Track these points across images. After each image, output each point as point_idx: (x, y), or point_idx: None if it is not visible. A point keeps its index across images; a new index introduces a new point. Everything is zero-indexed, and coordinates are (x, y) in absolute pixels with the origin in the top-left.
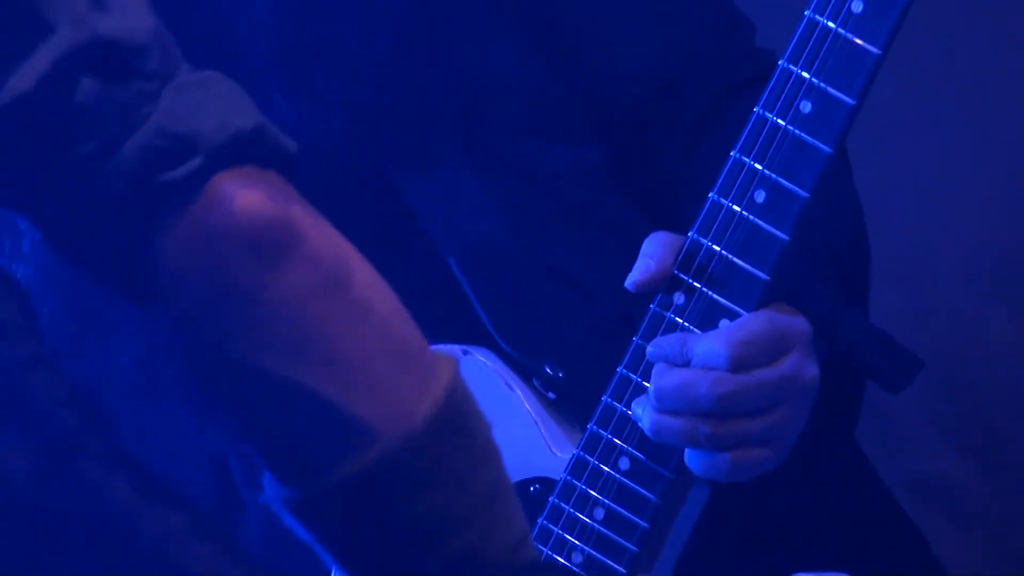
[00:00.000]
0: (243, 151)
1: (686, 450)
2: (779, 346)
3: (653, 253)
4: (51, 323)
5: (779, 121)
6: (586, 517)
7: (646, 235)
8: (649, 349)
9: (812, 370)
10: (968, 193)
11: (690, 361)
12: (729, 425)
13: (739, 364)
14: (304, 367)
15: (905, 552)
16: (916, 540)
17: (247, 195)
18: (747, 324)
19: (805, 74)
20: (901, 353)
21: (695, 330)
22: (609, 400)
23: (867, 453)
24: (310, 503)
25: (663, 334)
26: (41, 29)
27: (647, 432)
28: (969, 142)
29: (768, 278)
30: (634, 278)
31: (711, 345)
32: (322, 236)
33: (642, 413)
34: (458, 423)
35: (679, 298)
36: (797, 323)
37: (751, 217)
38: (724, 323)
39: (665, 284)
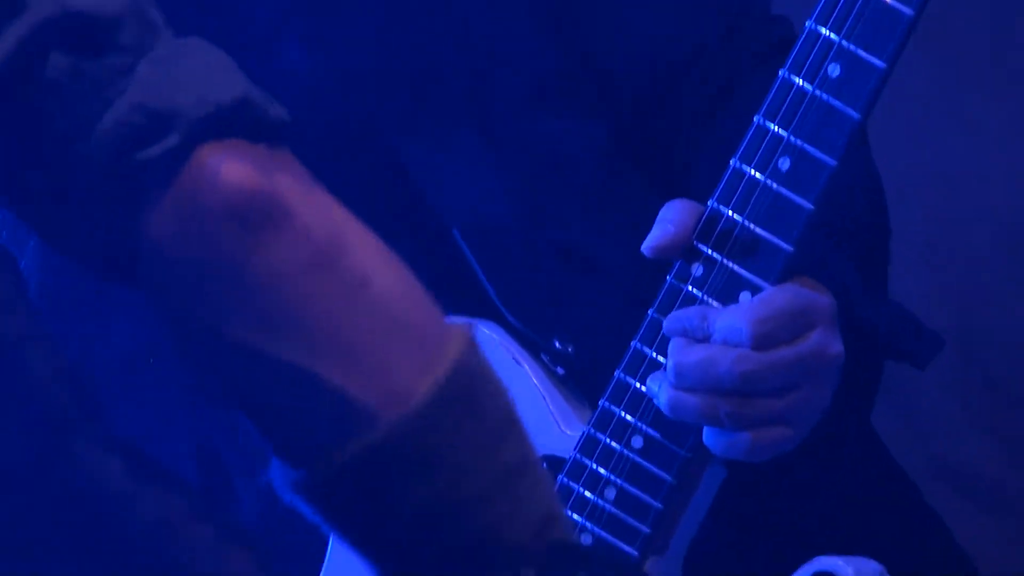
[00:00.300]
0: (226, 124)
1: (704, 428)
2: (803, 322)
3: (672, 218)
4: (45, 303)
5: (806, 85)
6: (597, 497)
7: (658, 211)
8: (666, 323)
9: (836, 346)
10: (993, 170)
11: (710, 336)
12: (751, 404)
13: (763, 341)
14: (295, 346)
15: (922, 536)
16: (933, 523)
17: (230, 168)
18: (771, 298)
19: (834, 36)
20: (922, 331)
21: (714, 303)
22: (622, 375)
23: (889, 436)
24: (316, 486)
25: (680, 307)
26: (14, 6)
27: (663, 409)
28: (991, 116)
29: (792, 249)
30: (652, 243)
31: (733, 320)
32: (313, 209)
33: (658, 389)
34: (466, 401)
35: (697, 270)
36: (821, 298)
37: (775, 185)
38: (745, 296)
39: (684, 251)
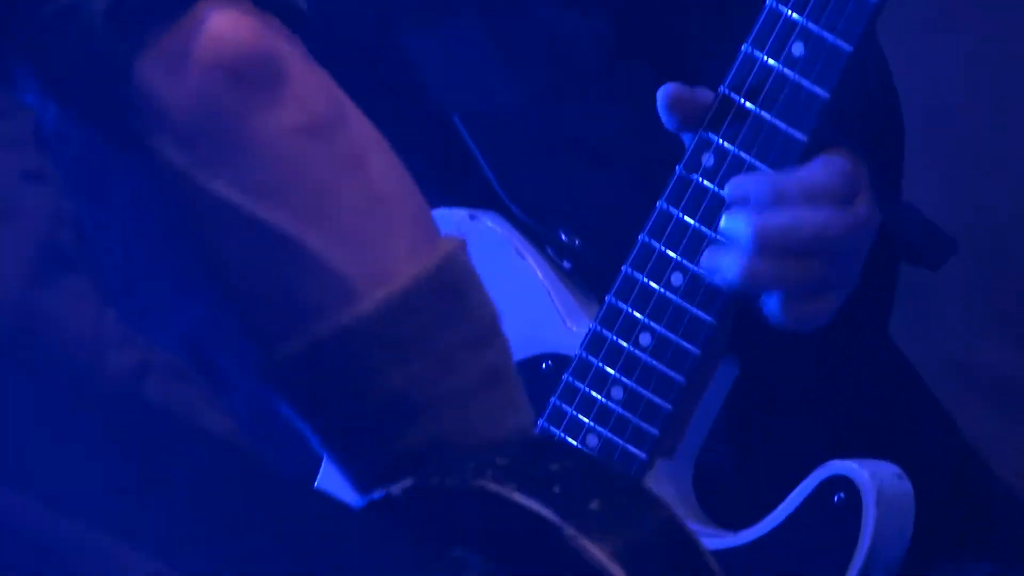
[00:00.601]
0: None
1: (765, 297)
2: (854, 187)
3: (687, 86)
4: None
5: None
6: (603, 398)
7: None
8: (729, 189)
9: (877, 211)
10: (1013, 74)
11: (775, 200)
12: (827, 266)
13: (839, 201)
14: (283, 211)
15: (936, 440)
16: (948, 427)
17: (230, 21)
18: (833, 160)
19: None
20: (936, 233)
21: (725, 195)
22: (630, 270)
23: (906, 339)
24: (287, 366)
25: (691, 200)
26: None
27: (734, 281)
28: (1015, 21)
29: (806, 139)
30: (669, 89)
31: (809, 181)
32: (313, 80)
33: (726, 263)
34: (453, 295)
35: (708, 160)
36: (860, 163)
37: (789, 72)
38: None
39: (696, 118)
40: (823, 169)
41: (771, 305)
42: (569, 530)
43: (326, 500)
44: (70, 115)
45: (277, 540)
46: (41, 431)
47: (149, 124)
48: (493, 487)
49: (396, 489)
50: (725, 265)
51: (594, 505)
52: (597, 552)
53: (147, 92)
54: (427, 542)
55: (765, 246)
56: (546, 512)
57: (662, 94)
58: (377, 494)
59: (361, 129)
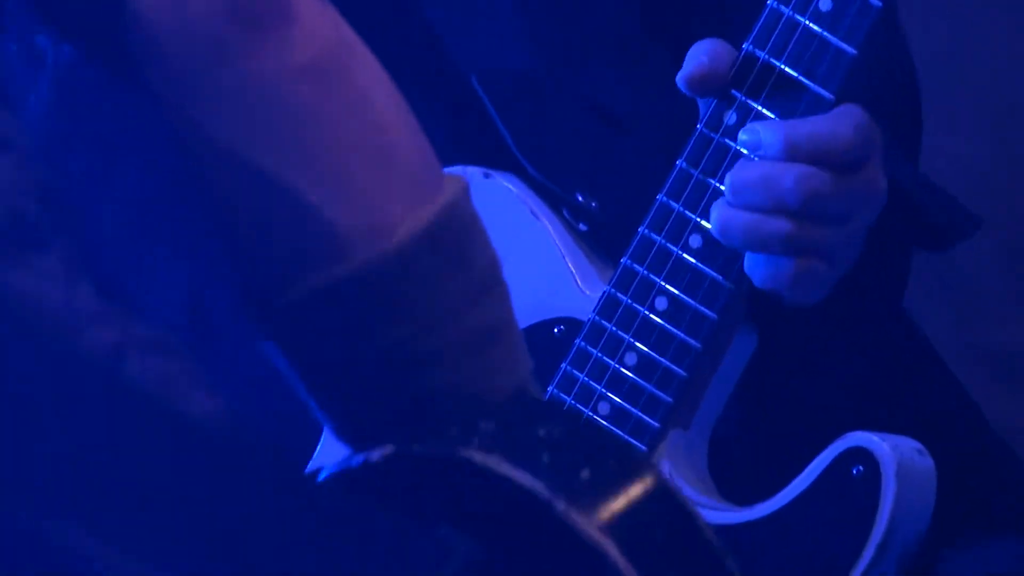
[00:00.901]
0: None
1: (747, 256)
2: (868, 148)
3: (705, 50)
4: (53, 146)
5: None
6: (617, 364)
7: None
8: (742, 136)
9: (884, 182)
10: None
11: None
12: (807, 228)
13: (850, 151)
14: (279, 156)
15: (956, 417)
16: (967, 405)
17: None
18: (853, 109)
19: None
20: (958, 208)
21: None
22: (647, 232)
23: (930, 321)
24: (279, 318)
25: (711, 158)
26: None
27: (714, 231)
28: None
29: (833, 98)
30: (686, 73)
31: (817, 128)
32: (320, 19)
33: (714, 210)
34: (451, 249)
35: (730, 118)
36: (876, 125)
37: (815, 27)
38: None
39: (719, 88)
40: (837, 120)
41: (750, 264)
42: (560, 504)
43: (310, 484)
44: (65, 42)
45: (255, 524)
46: (15, 416)
47: (143, 55)
48: (479, 458)
49: (376, 454)
50: (712, 214)
51: (584, 475)
52: (589, 527)
53: (142, 19)
54: (409, 517)
55: (736, 196)
56: (536, 485)
57: (680, 79)
58: (356, 460)
59: (367, 69)
